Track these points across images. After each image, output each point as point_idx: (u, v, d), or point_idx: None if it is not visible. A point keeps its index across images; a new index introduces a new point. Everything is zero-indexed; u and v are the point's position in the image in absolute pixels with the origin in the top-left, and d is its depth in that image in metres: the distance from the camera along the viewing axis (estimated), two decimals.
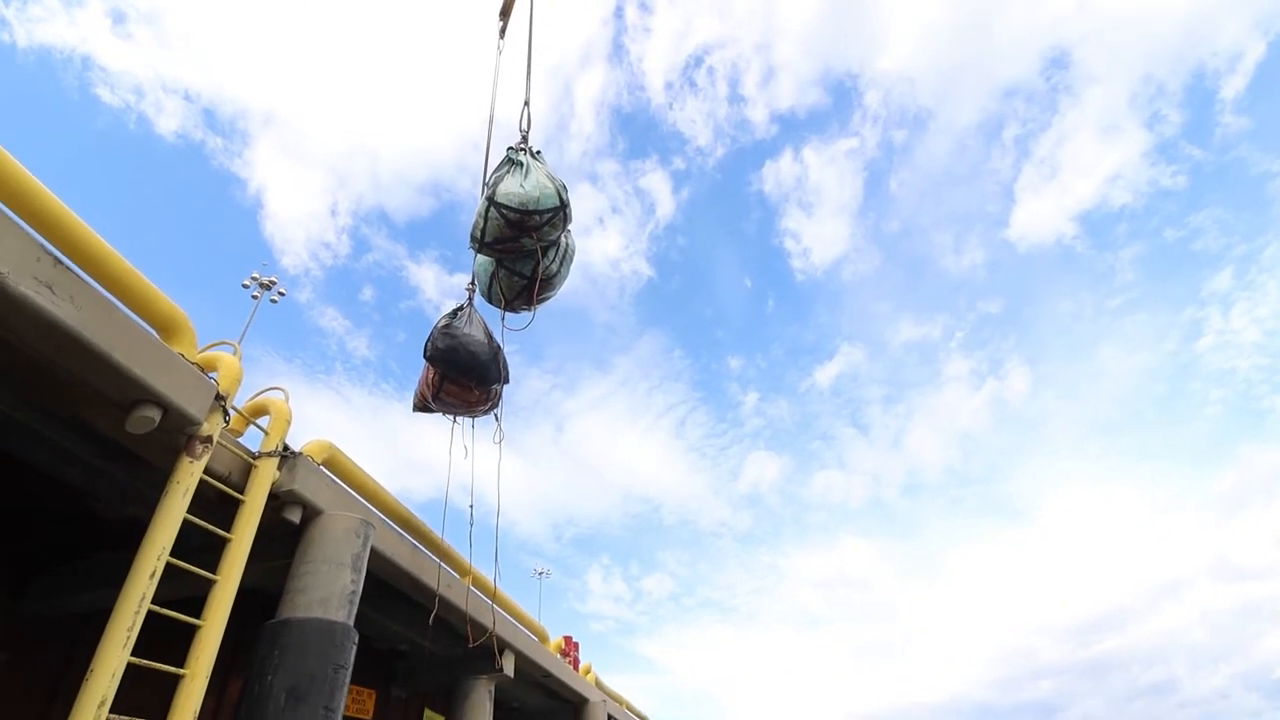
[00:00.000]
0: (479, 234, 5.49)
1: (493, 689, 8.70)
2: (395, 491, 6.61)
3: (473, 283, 6.26)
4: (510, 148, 5.85)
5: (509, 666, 8.77)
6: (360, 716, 8.58)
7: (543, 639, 11.10)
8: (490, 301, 6.06)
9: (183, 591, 4.20)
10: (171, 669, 3.81)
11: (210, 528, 4.26)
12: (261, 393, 5.59)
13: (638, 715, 18.24)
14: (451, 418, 6.00)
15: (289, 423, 5.25)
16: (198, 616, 4.09)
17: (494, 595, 9.04)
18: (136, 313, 4.17)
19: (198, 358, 4.70)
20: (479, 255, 5.91)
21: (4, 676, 4.94)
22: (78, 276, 3.59)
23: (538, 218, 5.34)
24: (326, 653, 4.72)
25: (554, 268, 5.88)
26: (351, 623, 5.03)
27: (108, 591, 3.72)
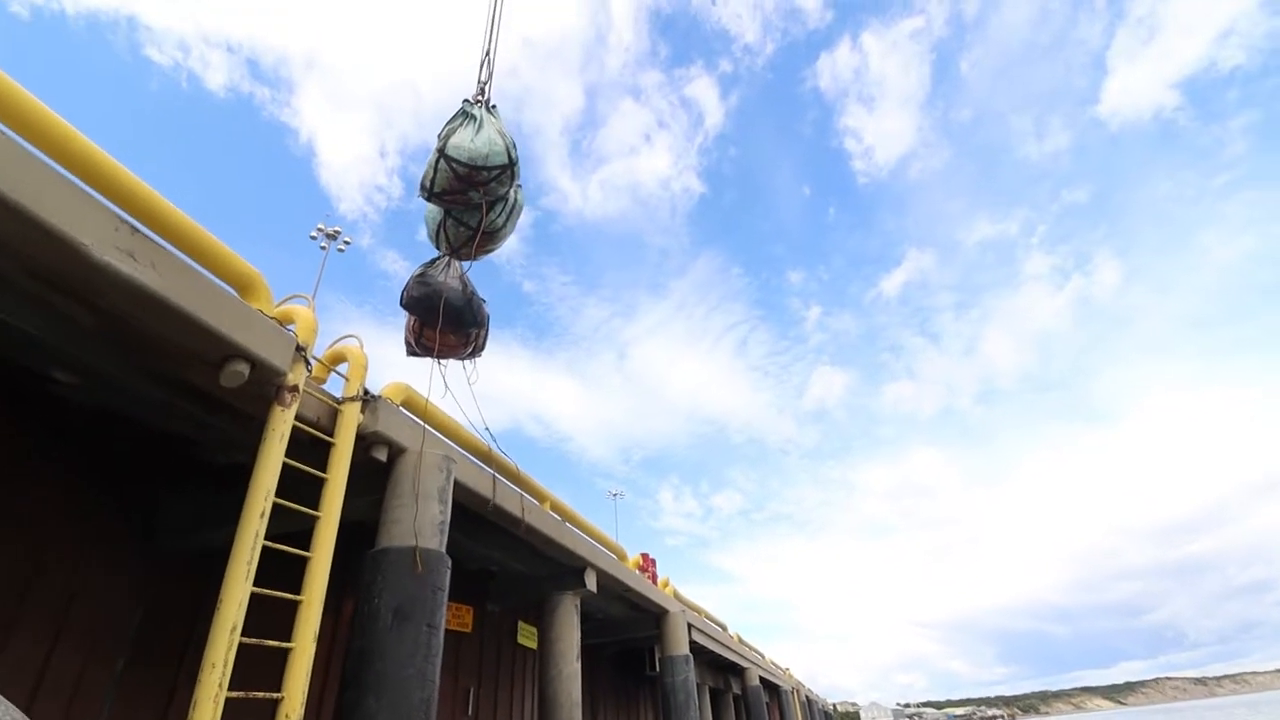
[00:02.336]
0: (428, 184, 5.62)
1: (578, 603, 9.29)
2: (468, 425, 6.89)
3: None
4: (466, 100, 5.91)
5: (591, 583, 9.30)
6: (461, 629, 9.38)
7: (621, 557, 11.66)
8: (437, 248, 6.19)
9: (291, 527, 4.58)
10: (290, 596, 4.22)
11: (307, 469, 4.59)
12: (338, 341, 5.85)
13: (716, 623, 19.20)
14: (439, 361, 6.18)
15: (366, 368, 5.49)
16: (306, 549, 4.48)
17: (572, 519, 9.49)
18: (214, 273, 4.37)
19: (275, 312, 4.92)
20: (428, 203, 6.01)
21: (151, 607, 5.63)
22: (156, 243, 3.76)
23: (485, 173, 5.45)
24: (424, 577, 5.11)
25: (499, 222, 5.99)
26: (444, 549, 5.39)
27: (228, 530, 4.10)
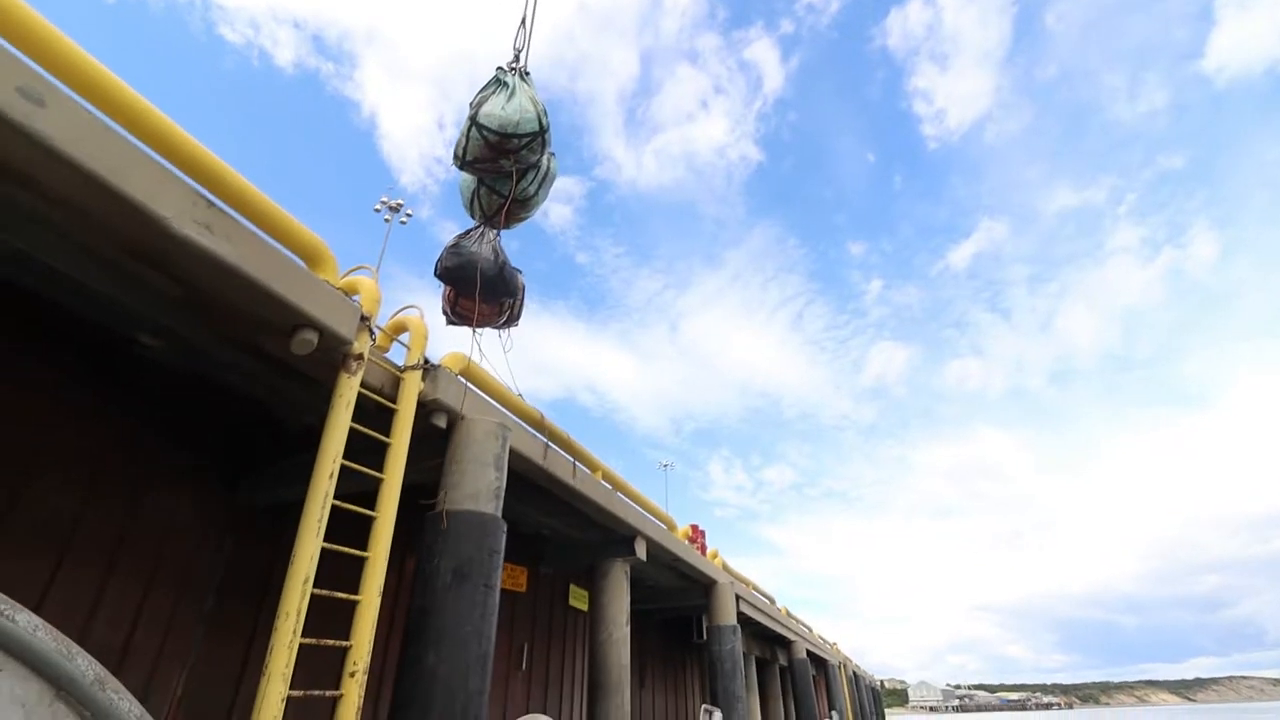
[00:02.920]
0: (461, 152, 5.65)
1: (628, 569, 9.48)
2: (524, 393, 7.05)
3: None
4: (499, 67, 5.86)
5: (641, 551, 9.46)
6: (516, 589, 9.74)
7: (671, 527, 11.79)
8: (472, 216, 6.20)
9: (358, 488, 4.82)
10: (357, 552, 4.45)
11: (372, 434, 4.80)
12: (400, 311, 6.04)
13: (764, 595, 19.27)
14: (475, 330, 6.26)
15: (426, 338, 5.66)
16: (372, 509, 4.71)
17: (623, 488, 9.63)
18: (283, 245, 4.56)
19: (340, 283, 5.11)
20: (462, 172, 6.03)
21: (235, 555, 6.06)
22: (231, 216, 3.94)
23: (516, 141, 5.46)
24: (480, 540, 5.30)
25: (531, 190, 5.99)
26: (499, 514, 5.57)
27: (301, 488, 4.35)
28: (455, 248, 5.92)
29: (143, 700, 5.08)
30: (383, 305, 5.33)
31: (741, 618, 13.67)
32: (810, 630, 25.04)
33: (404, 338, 5.66)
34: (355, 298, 4.96)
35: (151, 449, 5.61)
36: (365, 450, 4.80)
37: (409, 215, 26.51)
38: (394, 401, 5.13)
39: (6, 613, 0.75)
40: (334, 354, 4.63)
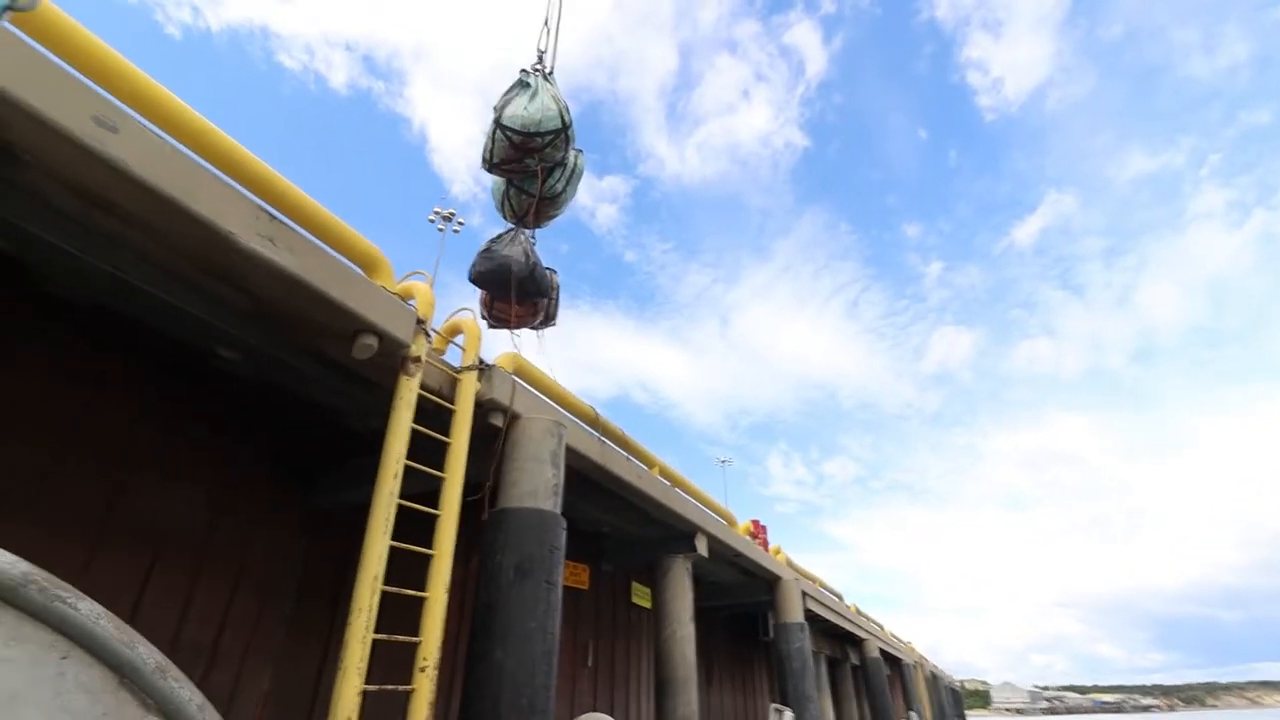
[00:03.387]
0: (488, 155, 5.80)
1: (690, 566, 9.41)
2: (578, 392, 7.08)
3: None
4: (523, 69, 5.99)
5: (702, 547, 9.37)
6: (578, 586, 9.82)
7: (731, 523, 11.64)
8: (505, 218, 6.31)
9: (422, 487, 4.93)
10: (423, 550, 4.56)
11: (432, 434, 4.90)
12: (454, 314, 6.16)
13: (831, 591, 18.82)
14: (514, 331, 6.33)
15: (480, 339, 5.75)
16: (436, 508, 4.81)
17: (681, 484, 9.56)
18: (342, 253, 4.71)
19: (397, 288, 5.25)
20: (493, 175, 6.16)
21: (311, 556, 6.33)
22: (292, 228, 4.09)
23: (540, 139, 5.61)
24: (541, 536, 5.35)
25: (559, 187, 6.09)
26: (559, 510, 5.61)
27: (368, 489, 4.48)
28: (487, 252, 6.06)
29: (232, 695, 5.37)
30: (437, 310, 5.45)
31: (809, 615, 13.37)
32: (882, 628, 24.30)
33: (459, 340, 5.77)
34: (411, 302, 5.08)
35: (232, 456, 5.91)
36: (427, 450, 4.90)
37: (461, 224, 27.18)
38: (452, 402, 5.23)
39: (70, 600, 0.75)
40: (393, 357, 4.75)
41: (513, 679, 4.76)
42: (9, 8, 1.17)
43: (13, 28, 2.99)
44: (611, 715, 10.14)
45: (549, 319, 6.56)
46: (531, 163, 5.74)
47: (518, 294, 5.90)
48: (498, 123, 5.70)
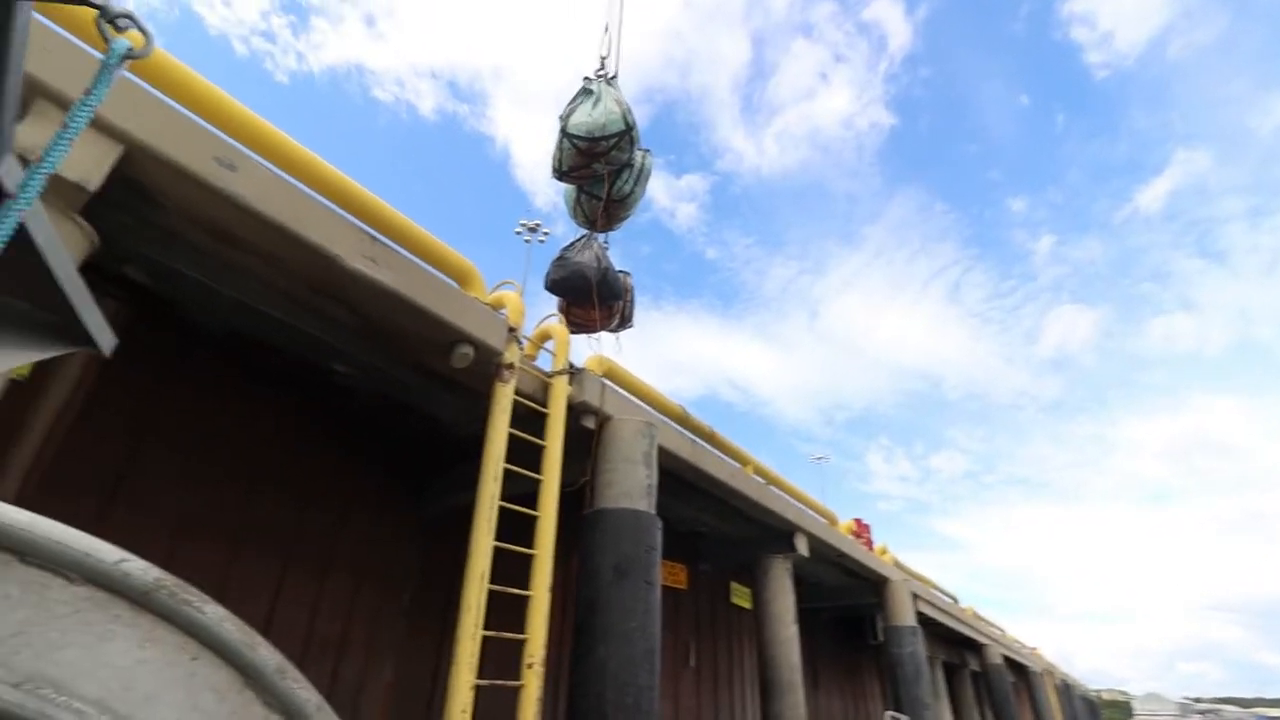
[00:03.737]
0: (557, 164, 5.98)
1: (790, 566, 9.15)
2: (666, 392, 7.06)
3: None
4: (586, 77, 6.14)
5: (802, 547, 9.09)
6: (677, 586, 9.80)
7: (832, 521, 11.23)
8: (578, 224, 6.43)
9: (522, 489, 5.08)
10: (524, 550, 4.68)
11: (528, 438, 5.03)
12: (543, 321, 6.31)
13: (945, 594, 17.76)
14: (593, 336, 6.45)
15: (569, 344, 5.86)
16: (535, 509, 4.94)
17: (776, 482, 9.33)
18: (438, 268, 4.92)
19: (489, 299, 5.43)
20: (563, 184, 6.34)
21: (425, 555, 6.68)
22: (391, 248, 4.33)
23: (605, 143, 5.74)
24: (637, 536, 5.36)
25: (626, 188, 6.18)
26: (653, 510, 5.60)
27: (472, 492, 4.67)
28: (560, 260, 6.25)
29: (360, 686, 5.75)
30: (527, 317, 5.61)
31: (921, 618, 12.67)
32: (1004, 633, 22.66)
33: (549, 345, 5.90)
34: (502, 312, 5.24)
35: (351, 464, 6.35)
36: (525, 454, 5.05)
37: (546, 234, 27.97)
38: (545, 406, 5.35)
39: (196, 604, 0.77)
40: (488, 365, 4.92)
41: (616, 677, 4.79)
42: (128, 56, 1.25)
43: (141, 81, 3.34)
44: (716, 717, 10.05)
45: (625, 321, 6.66)
46: (599, 167, 5.89)
47: (592, 298, 6.03)
48: (563, 131, 5.90)
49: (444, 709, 4.03)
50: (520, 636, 4.51)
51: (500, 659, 4.82)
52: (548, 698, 6.84)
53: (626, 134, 5.83)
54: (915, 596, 12.52)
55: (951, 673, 19.66)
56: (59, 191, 2.87)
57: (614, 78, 6.21)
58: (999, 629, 22.35)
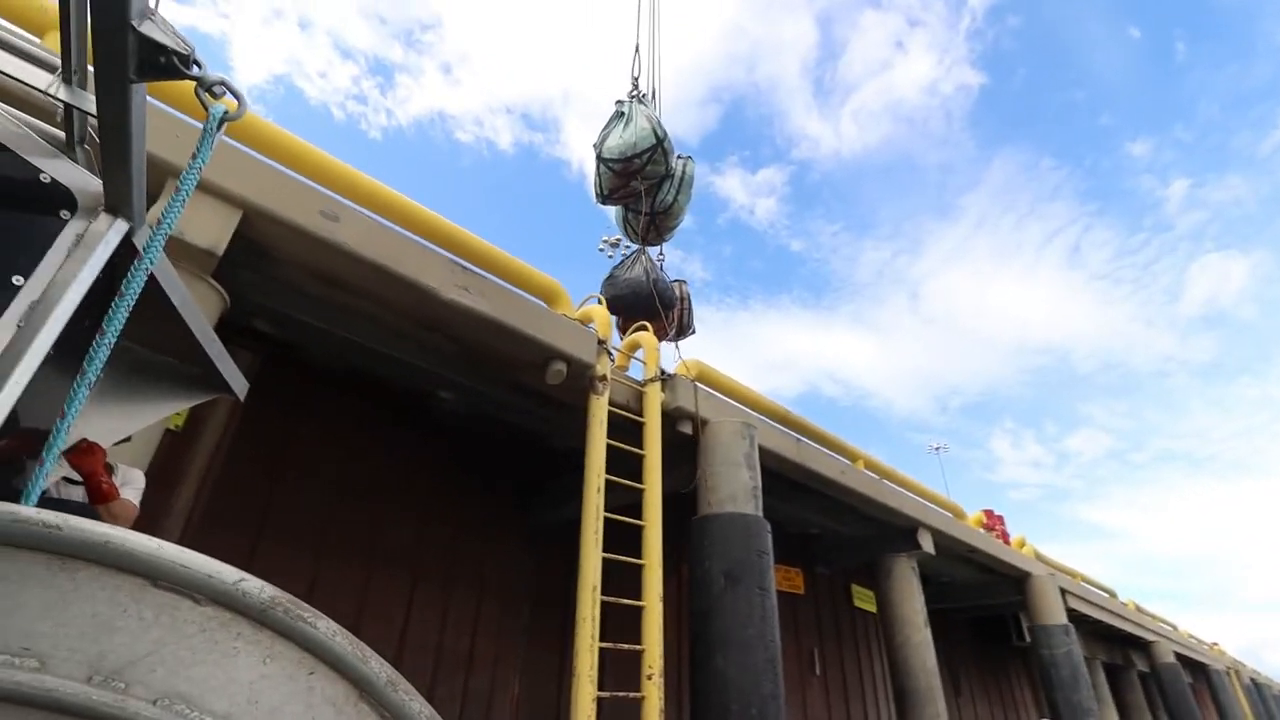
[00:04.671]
0: (598, 189, 6.19)
1: (915, 565, 8.61)
2: (765, 391, 6.88)
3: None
4: (619, 100, 6.26)
5: (926, 543, 8.54)
6: (793, 591, 9.48)
7: (958, 515, 10.49)
8: (630, 241, 6.58)
9: (626, 500, 5.11)
10: (632, 560, 4.69)
11: (627, 447, 5.06)
12: (631, 331, 6.35)
13: (1099, 588, 16.09)
14: (675, 344, 6.66)
15: (659, 351, 5.86)
16: (640, 519, 4.94)
17: (891, 476, 8.85)
18: (525, 290, 5.09)
19: (576, 315, 5.54)
20: (607, 206, 6.57)
21: (540, 569, 6.86)
22: (482, 276, 4.52)
23: (638, 160, 5.91)
24: (746, 541, 5.23)
25: (669, 198, 6.27)
26: (760, 513, 5.45)
27: (577, 504, 4.74)
28: (610, 279, 6.45)
29: (489, 700, 5.97)
30: (615, 330, 5.68)
31: (1073, 615, 11.52)
32: (1175, 628, 20.19)
33: (639, 355, 5.92)
34: (591, 326, 5.32)
35: (463, 483, 6.66)
36: (625, 464, 5.07)
37: (629, 247, 28.32)
38: (640, 415, 5.36)
39: (310, 619, 0.79)
40: (582, 379, 5.00)
41: (738, 688, 4.67)
42: (225, 119, 1.36)
43: (252, 150, 3.69)
44: None
45: (682, 330, 6.74)
46: (636, 184, 6.08)
47: (645, 312, 6.16)
48: (599, 158, 6.24)
49: None
50: (637, 647, 4.51)
51: (620, 670, 4.84)
52: (670, 708, 6.81)
53: (658, 146, 5.99)
54: (1064, 592, 11.42)
55: (1115, 674, 17.71)
56: (192, 257, 3.21)
57: (645, 95, 6.45)
58: (1169, 624, 19.93)
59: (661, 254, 6.75)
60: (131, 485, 2.53)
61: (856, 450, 8.35)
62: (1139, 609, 17.95)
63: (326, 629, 0.91)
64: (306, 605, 0.93)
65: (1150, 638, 16.54)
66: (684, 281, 6.79)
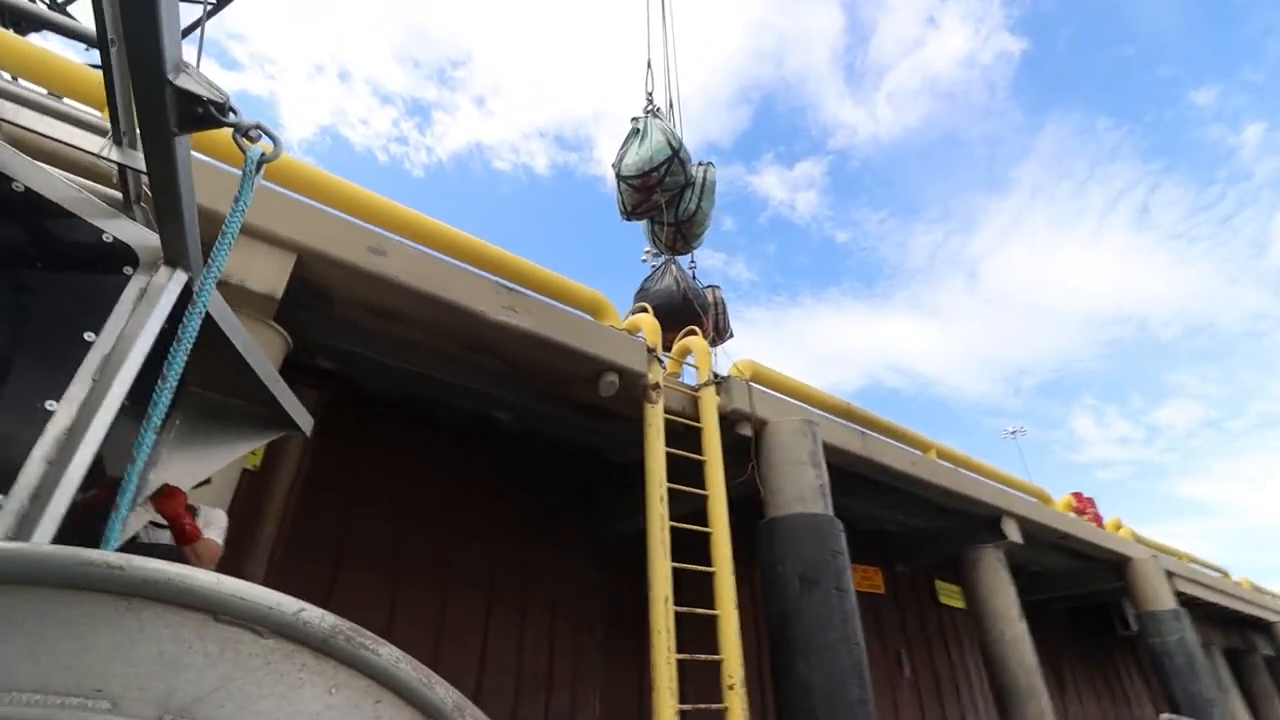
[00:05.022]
0: (622, 207, 6.33)
1: (1002, 556, 8.17)
2: (824, 387, 6.68)
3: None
4: (634, 117, 6.41)
5: (1012, 532, 8.09)
6: (873, 590, 9.13)
7: (1044, 500, 9.92)
8: (660, 251, 6.68)
9: (690, 508, 5.04)
10: (702, 568, 4.60)
11: (686, 454, 4.99)
12: (680, 337, 6.30)
13: (1209, 567, 14.88)
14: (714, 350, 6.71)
15: (710, 354, 5.78)
16: (706, 526, 4.85)
17: (967, 464, 8.46)
18: (570, 305, 5.11)
19: (624, 325, 5.53)
20: (632, 221, 6.70)
21: (610, 585, 6.83)
22: (526, 295, 4.57)
23: (656, 174, 6.06)
24: (819, 541, 5.06)
25: (691, 206, 6.39)
26: (830, 511, 5.27)
27: (641, 516, 4.70)
28: (641, 292, 6.59)
29: (572, 717, 5.95)
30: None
31: (1183, 599, 10.68)
32: None
33: (690, 360, 5.86)
34: (639, 335, 5.30)
35: (526, 502, 6.72)
36: (686, 471, 5.00)
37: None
38: (697, 420, 5.29)
39: (372, 647, 0.76)
40: (635, 389, 4.97)
41: (824, 694, 4.50)
42: (263, 161, 1.40)
43: (301, 196, 3.85)
44: None
45: (719, 334, 6.78)
46: (658, 196, 6.23)
47: (677, 321, 6.24)
48: (619, 176, 6.37)
49: None
50: (715, 657, 4.41)
51: (700, 682, 4.74)
52: (755, 717, 6.63)
53: (674, 157, 6.11)
54: (1171, 574, 10.61)
55: (1237, 659, 16.31)
56: (253, 303, 3.36)
57: (659, 109, 6.56)
58: None
59: (693, 263, 6.89)
60: (215, 525, 2.65)
61: (927, 440, 8.01)
62: (1255, 588, 16.51)
63: (389, 655, 0.89)
64: (368, 632, 0.91)
65: (1271, 618, 15.17)
66: (717, 287, 6.86)
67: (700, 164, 6.60)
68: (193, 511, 2.62)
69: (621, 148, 6.49)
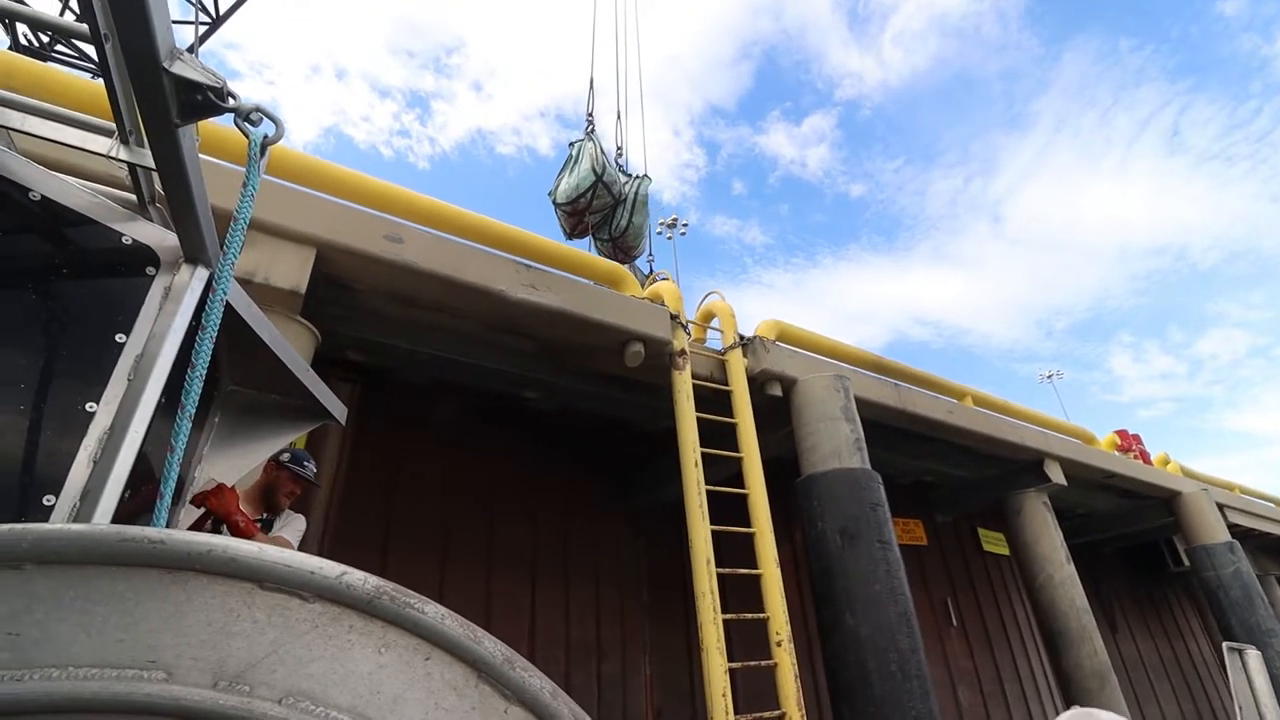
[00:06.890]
0: (564, 230, 6.89)
1: (1046, 499, 8.03)
2: (853, 343, 6.57)
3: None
4: (571, 143, 6.87)
5: (1055, 474, 7.94)
6: (916, 543, 9.08)
7: (1087, 440, 9.70)
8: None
9: (726, 471, 5.04)
10: (741, 529, 4.61)
11: (718, 418, 4.97)
12: (703, 300, 6.23)
13: (1261, 497, 14.46)
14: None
15: (734, 316, 5.71)
16: (743, 488, 4.85)
17: (1005, 409, 8.30)
18: (589, 278, 5.08)
19: (645, 293, 5.48)
20: (575, 239, 7.21)
21: (652, 550, 6.91)
22: (545, 271, 4.55)
23: (583, 199, 6.58)
24: (858, 495, 5.03)
25: (623, 223, 6.85)
26: (867, 465, 5.22)
27: (678, 482, 4.71)
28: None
29: (623, 683, 6.08)
30: (689, 306, 5.58)
31: (1236, 531, 10.42)
32: None
33: (715, 324, 5.80)
34: (661, 304, 5.26)
35: (562, 476, 6.80)
36: (719, 435, 4.99)
37: (685, 226, 28.09)
38: (726, 384, 5.25)
39: (417, 605, 0.76)
40: (661, 357, 4.95)
41: (873, 645, 4.51)
42: (266, 143, 1.39)
43: (316, 191, 3.86)
44: (999, 675, 9.13)
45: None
46: (590, 218, 6.73)
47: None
48: (554, 204, 6.74)
49: (705, 695, 4.08)
50: (761, 615, 4.44)
51: (747, 640, 4.78)
52: (804, 672, 6.70)
53: (598, 181, 6.54)
54: (1222, 507, 10.34)
55: None
56: (280, 300, 3.40)
57: (592, 131, 7.03)
58: None
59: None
60: (291, 526, 2.73)
61: (962, 387, 7.87)
62: None
63: (435, 613, 0.89)
64: (412, 592, 0.92)
65: None
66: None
67: (635, 178, 7.09)
68: (277, 514, 2.70)
69: (558, 175, 7.05)
